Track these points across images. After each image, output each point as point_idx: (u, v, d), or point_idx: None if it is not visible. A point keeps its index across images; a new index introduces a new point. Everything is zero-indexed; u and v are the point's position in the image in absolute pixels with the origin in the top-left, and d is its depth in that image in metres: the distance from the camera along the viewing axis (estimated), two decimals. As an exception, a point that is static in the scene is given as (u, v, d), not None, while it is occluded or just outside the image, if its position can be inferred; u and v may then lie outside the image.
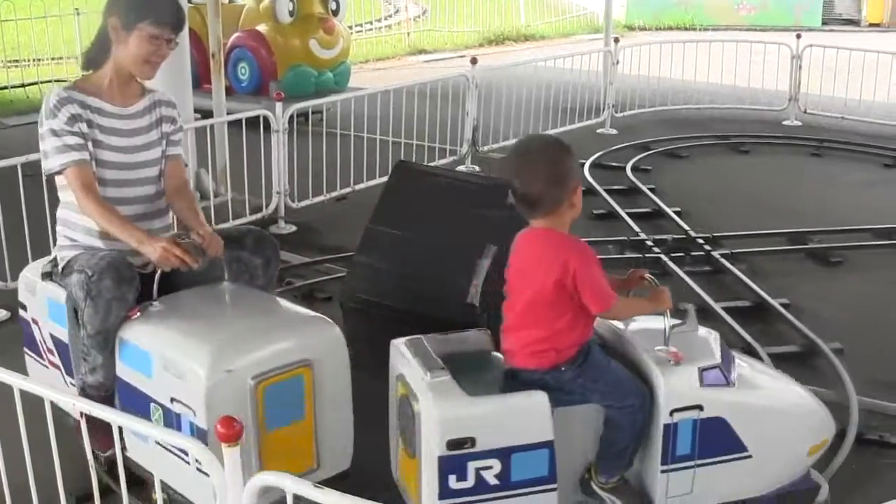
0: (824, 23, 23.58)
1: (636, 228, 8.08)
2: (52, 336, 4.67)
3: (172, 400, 3.93)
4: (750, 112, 12.95)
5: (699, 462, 3.95)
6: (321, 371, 4.13)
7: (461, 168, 9.98)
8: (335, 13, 12.39)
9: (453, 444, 3.65)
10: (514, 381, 3.90)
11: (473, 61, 10.19)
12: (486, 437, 3.69)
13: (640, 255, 7.51)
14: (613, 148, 10.89)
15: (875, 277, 7.46)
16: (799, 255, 7.74)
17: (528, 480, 3.78)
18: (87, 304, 4.13)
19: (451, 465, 3.67)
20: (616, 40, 12.39)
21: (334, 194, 8.74)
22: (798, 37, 12.62)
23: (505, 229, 5.23)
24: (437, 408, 3.68)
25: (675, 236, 7.95)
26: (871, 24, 23.88)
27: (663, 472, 3.92)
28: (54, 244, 4.61)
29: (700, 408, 3.88)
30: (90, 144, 4.32)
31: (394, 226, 5.61)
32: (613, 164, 10.29)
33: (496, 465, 3.72)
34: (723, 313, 6.45)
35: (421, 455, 3.80)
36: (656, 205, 8.77)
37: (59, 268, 4.49)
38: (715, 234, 7.95)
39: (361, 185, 8.88)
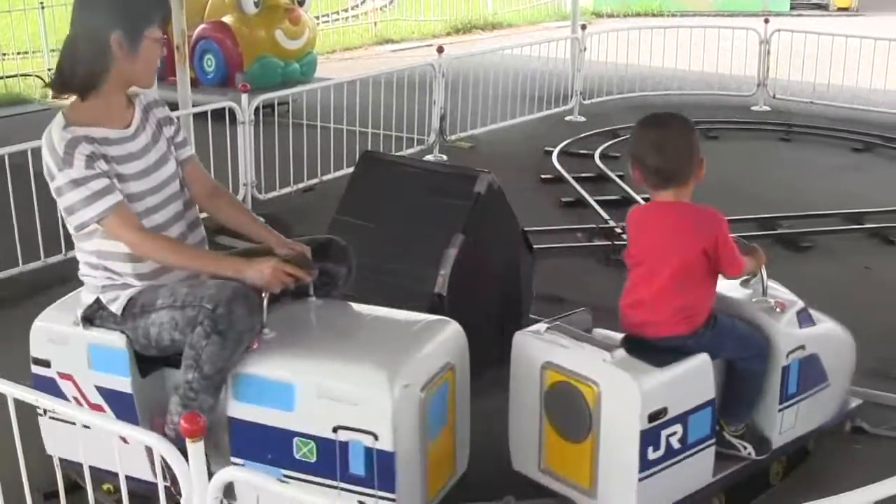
0: (793, 7, 23.62)
1: (605, 216, 8.04)
2: (100, 388, 4.13)
3: (336, 429, 3.69)
4: (719, 98, 12.90)
5: (802, 396, 4.42)
6: (458, 373, 4.06)
7: (429, 157, 9.95)
8: (301, 3, 12.30)
9: (653, 416, 3.82)
10: (649, 351, 4.02)
11: (440, 50, 10.13)
12: (673, 404, 3.89)
13: (610, 242, 7.49)
14: (582, 135, 10.86)
15: (845, 262, 7.46)
16: (768, 241, 7.71)
17: (698, 440, 4.05)
18: (209, 342, 3.70)
19: (650, 437, 3.84)
20: (583, 27, 12.34)
21: (301, 185, 8.69)
22: (766, 21, 12.61)
23: (471, 219, 5.24)
24: (635, 383, 3.80)
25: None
26: (840, 8, 23.93)
27: (779, 410, 4.35)
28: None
29: (803, 347, 4.35)
30: (115, 181, 3.85)
31: (360, 216, 5.57)
32: (582, 151, 10.26)
33: (679, 429, 3.94)
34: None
35: (600, 436, 3.89)
36: (625, 192, 8.72)
37: (115, 310, 3.97)
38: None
39: (329, 176, 8.83)
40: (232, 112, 8.25)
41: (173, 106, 8.54)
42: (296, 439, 3.77)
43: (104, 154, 3.84)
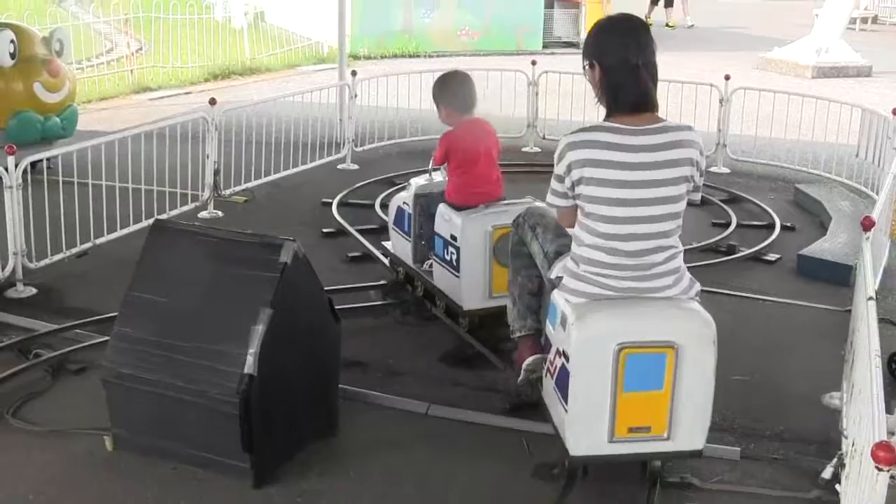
0: (545, 46, 24.05)
1: (393, 271, 7.82)
2: None
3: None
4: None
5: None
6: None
7: (203, 214, 9.62)
8: (59, 54, 11.69)
9: None
10: None
11: (212, 102, 9.74)
12: None
13: (404, 300, 7.34)
14: (359, 185, 10.71)
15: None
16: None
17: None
18: None
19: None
20: (353, 73, 12.19)
21: (74, 251, 8.15)
22: (534, 64, 12.79)
23: (279, 291, 4.99)
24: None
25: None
26: (590, 46, 24.51)
27: None
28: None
29: None
30: None
31: (155, 292, 5.26)
32: (362, 201, 10.10)
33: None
34: (496, 360, 6.32)
35: None
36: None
37: None
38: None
39: (102, 239, 8.34)
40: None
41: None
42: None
43: None
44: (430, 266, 7.06)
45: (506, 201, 6.69)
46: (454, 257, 6.62)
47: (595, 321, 4.59)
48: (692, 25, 28.66)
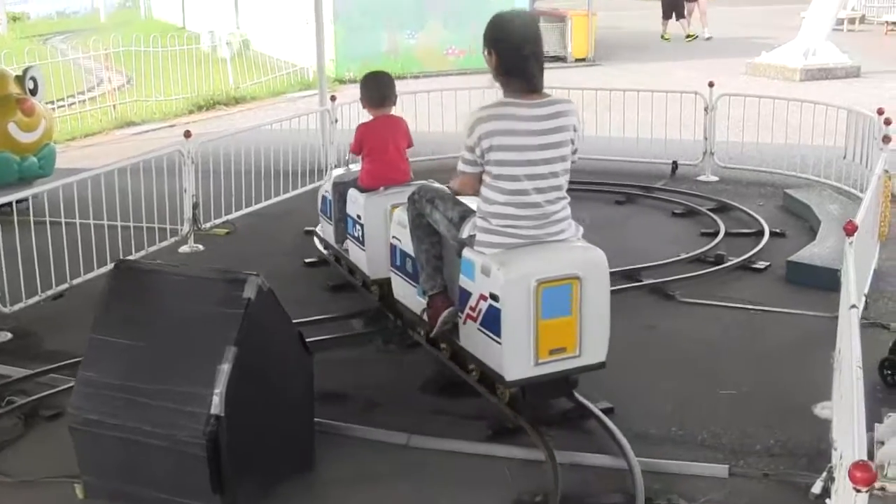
0: (534, 61, 23.92)
1: (376, 297, 7.66)
2: None
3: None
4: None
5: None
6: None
7: (184, 248, 9.48)
8: (33, 92, 11.57)
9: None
10: None
11: (187, 135, 9.57)
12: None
13: (385, 328, 7.21)
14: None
15: (629, 322, 7.24)
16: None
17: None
18: None
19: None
20: (333, 98, 12.06)
21: (50, 292, 7.98)
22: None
23: (244, 328, 4.85)
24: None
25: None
26: (577, 59, 24.54)
27: None
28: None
29: None
30: None
31: (120, 334, 5.11)
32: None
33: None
34: (473, 383, 6.13)
35: None
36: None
37: None
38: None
39: (79, 280, 8.18)
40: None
41: None
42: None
43: None
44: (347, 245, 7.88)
45: (403, 185, 7.31)
46: (360, 233, 7.44)
47: (517, 264, 5.41)
48: (710, 38, 28.38)
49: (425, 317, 6.21)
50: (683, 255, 8.71)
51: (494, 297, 5.39)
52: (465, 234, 5.68)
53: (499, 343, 5.41)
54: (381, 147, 7.49)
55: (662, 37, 28.61)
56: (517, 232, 5.50)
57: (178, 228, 9.59)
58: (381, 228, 7.12)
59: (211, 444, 4.70)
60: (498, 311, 5.37)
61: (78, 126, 17.00)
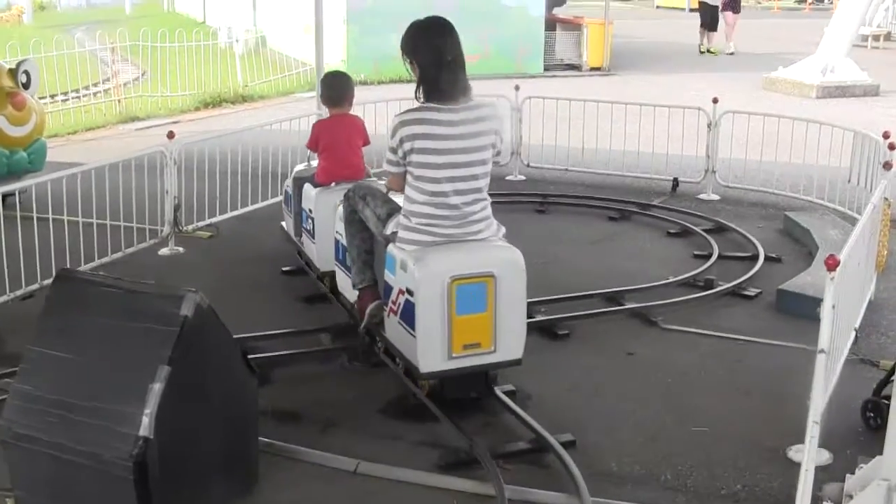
0: (547, 68, 23.75)
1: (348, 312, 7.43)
2: None
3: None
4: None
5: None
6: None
7: (164, 251, 9.27)
8: (26, 86, 11.38)
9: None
10: None
11: (170, 136, 9.33)
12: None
13: (352, 346, 6.95)
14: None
15: (606, 349, 7.14)
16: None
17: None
18: None
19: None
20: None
21: (19, 293, 7.77)
22: (517, 89, 12.45)
23: (178, 347, 4.62)
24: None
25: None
26: (592, 69, 24.26)
27: None
28: None
29: None
30: None
31: (57, 347, 4.89)
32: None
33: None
34: (436, 410, 5.92)
35: None
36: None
37: None
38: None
39: (48, 280, 7.94)
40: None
41: None
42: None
43: None
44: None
45: (356, 181, 7.26)
46: (311, 227, 7.80)
47: (432, 261, 5.66)
48: (732, 53, 28.15)
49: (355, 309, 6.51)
50: (672, 279, 8.44)
51: (410, 292, 5.69)
52: (388, 230, 5.99)
53: (413, 336, 5.69)
54: (335, 144, 7.81)
55: (708, 50, 28.29)
56: (436, 231, 5.77)
57: (158, 229, 9.37)
58: (331, 223, 7.29)
59: (137, 466, 4.47)
60: (413, 305, 5.65)
61: (82, 119, 16.82)
